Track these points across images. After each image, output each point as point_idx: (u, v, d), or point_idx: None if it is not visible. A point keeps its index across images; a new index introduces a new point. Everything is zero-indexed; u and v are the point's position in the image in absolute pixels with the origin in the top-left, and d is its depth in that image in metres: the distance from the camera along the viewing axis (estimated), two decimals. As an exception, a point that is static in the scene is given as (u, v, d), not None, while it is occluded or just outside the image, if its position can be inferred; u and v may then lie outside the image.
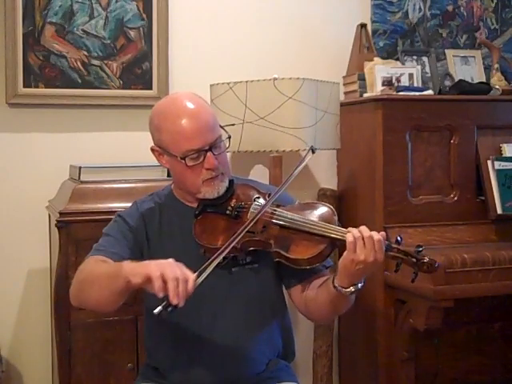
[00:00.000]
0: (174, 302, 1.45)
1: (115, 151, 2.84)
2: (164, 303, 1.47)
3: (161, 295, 1.45)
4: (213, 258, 1.58)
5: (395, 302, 2.70)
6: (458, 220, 2.77)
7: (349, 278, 1.61)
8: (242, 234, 1.64)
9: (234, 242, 1.62)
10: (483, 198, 2.80)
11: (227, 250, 1.60)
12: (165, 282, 1.45)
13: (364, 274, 1.62)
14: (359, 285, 1.63)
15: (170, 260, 1.51)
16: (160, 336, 1.82)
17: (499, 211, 2.74)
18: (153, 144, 1.81)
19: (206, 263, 1.55)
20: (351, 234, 1.60)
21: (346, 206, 3.03)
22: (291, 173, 1.76)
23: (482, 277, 2.48)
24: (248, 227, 1.65)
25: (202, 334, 1.75)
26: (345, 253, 1.60)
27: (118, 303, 1.62)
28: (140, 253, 1.78)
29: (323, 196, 3.02)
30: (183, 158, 1.71)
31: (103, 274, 1.60)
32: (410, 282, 1.66)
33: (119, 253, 1.73)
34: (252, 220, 1.67)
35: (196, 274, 1.51)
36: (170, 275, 1.45)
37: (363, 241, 1.58)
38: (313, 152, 1.78)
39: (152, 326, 1.85)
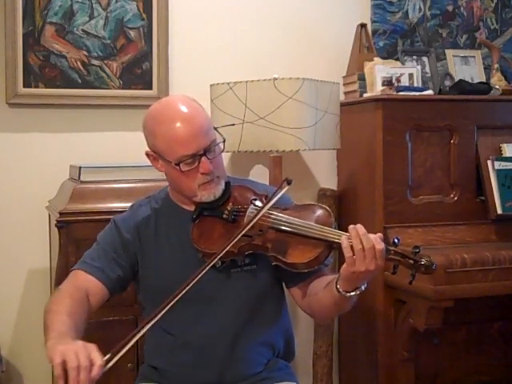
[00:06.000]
0: None
1: (115, 151, 2.84)
2: None
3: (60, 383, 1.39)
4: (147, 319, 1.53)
5: (395, 302, 2.69)
6: (458, 220, 2.77)
7: (351, 285, 1.60)
8: (212, 263, 1.61)
9: (197, 278, 1.58)
10: (483, 198, 2.80)
11: (182, 292, 1.56)
12: (65, 370, 1.38)
13: (367, 279, 1.61)
14: (362, 287, 1.62)
15: (79, 343, 1.44)
16: (159, 337, 1.81)
17: (499, 211, 2.74)
18: (148, 148, 1.81)
19: (118, 347, 1.50)
20: (349, 248, 1.56)
21: (345, 206, 3.03)
22: (266, 202, 1.70)
23: (481, 277, 2.48)
24: (222, 253, 1.63)
25: (201, 334, 1.75)
26: (344, 265, 1.57)
27: None
28: (129, 264, 1.79)
29: (323, 196, 3.02)
30: (178, 164, 1.70)
31: (47, 329, 1.57)
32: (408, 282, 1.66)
33: (103, 267, 1.76)
34: (249, 222, 1.65)
35: (107, 356, 1.45)
36: (71, 363, 1.38)
37: (363, 253, 1.55)
38: (288, 184, 1.71)
39: (152, 326, 1.85)
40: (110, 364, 1.45)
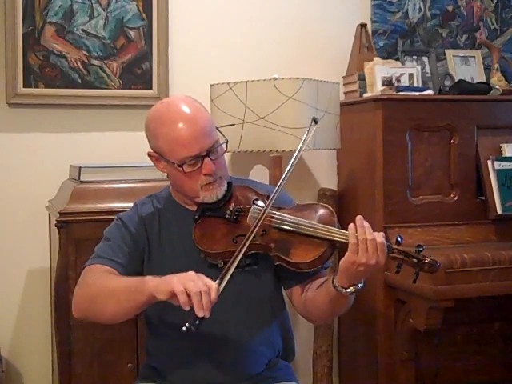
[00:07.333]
0: (200, 314, 1.48)
1: (115, 151, 2.84)
2: (191, 319, 1.49)
3: (187, 309, 1.49)
4: (230, 261, 1.59)
5: (395, 302, 2.69)
6: (458, 220, 2.77)
7: (349, 279, 1.61)
8: (251, 237, 1.64)
9: (248, 242, 1.63)
10: (483, 198, 2.80)
11: (243, 251, 1.62)
12: (189, 296, 1.48)
13: (365, 276, 1.62)
14: (359, 285, 1.62)
15: (191, 272, 1.53)
16: (160, 337, 1.81)
17: (499, 211, 2.74)
18: (150, 148, 1.81)
19: (225, 269, 1.58)
20: (354, 236, 1.58)
21: (346, 206, 3.02)
22: (298, 150, 1.74)
23: (481, 277, 2.48)
24: (255, 230, 1.65)
25: (201, 334, 1.74)
26: (346, 254, 1.59)
27: (134, 315, 1.66)
28: (140, 259, 1.78)
29: (323, 196, 3.02)
30: (180, 165, 1.70)
31: (122, 288, 1.61)
32: (410, 282, 1.66)
33: (121, 262, 1.73)
34: (256, 224, 1.66)
35: (217, 281, 1.54)
36: (193, 289, 1.48)
37: (366, 243, 1.57)
38: (316, 122, 1.77)
39: (152, 326, 1.85)
40: (222, 287, 1.54)
